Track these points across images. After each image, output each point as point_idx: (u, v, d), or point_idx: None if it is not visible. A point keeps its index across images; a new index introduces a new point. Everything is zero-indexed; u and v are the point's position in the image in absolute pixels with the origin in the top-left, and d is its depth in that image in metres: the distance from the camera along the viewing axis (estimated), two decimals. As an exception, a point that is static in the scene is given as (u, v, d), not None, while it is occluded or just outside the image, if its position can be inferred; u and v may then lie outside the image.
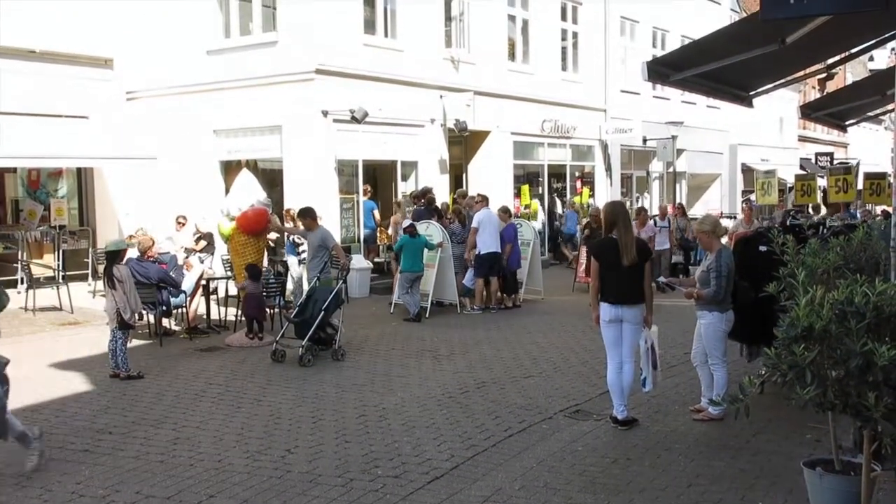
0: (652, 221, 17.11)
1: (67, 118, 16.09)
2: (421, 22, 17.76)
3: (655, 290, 7.63)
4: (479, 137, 19.86)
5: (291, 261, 14.34)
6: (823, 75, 33.91)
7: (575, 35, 23.40)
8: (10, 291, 14.71)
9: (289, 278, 13.93)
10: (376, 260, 17.27)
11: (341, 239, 15.62)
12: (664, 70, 7.53)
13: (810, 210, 17.37)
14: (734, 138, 31.92)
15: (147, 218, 15.82)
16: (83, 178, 17.69)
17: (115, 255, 9.29)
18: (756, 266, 7.07)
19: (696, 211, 28.43)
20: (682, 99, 26.56)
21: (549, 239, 22.51)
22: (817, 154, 37.45)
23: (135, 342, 10.71)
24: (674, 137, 23.82)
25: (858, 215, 15.09)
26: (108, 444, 6.82)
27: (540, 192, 22.58)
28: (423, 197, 15.57)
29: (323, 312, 9.99)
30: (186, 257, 13.04)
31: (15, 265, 15.72)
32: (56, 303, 13.79)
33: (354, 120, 15.47)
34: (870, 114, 13.83)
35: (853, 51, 9.32)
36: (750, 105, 9.41)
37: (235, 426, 7.30)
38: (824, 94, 34.01)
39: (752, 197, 19.70)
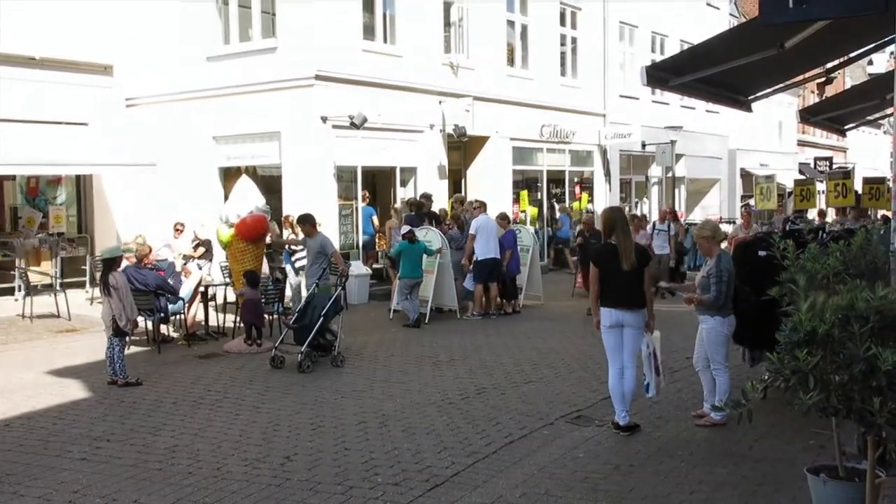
0: (650, 226, 17.05)
1: (67, 125, 16.06)
2: (420, 27, 17.75)
3: (657, 295, 7.61)
4: (478, 143, 19.84)
5: (288, 268, 14.33)
6: (823, 79, 33.88)
7: (574, 40, 23.40)
8: (7, 299, 14.94)
9: (287, 285, 13.88)
10: (375, 266, 17.24)
11: (340, 245, 15.59)
12: (663, 75, 7.55)
13: (816, 216, 17.36)
14: (733, 143, 31.92)
15: (146, 224, 15.61)
16: (82, 186, 17.66)
17: (110, 262, 9.28)
18: (756, 271, 7.06)
19: (696, 216, 28.46)
20: (682, 104, 26.58)
21: (548, 244, 22.47)
22: (816, 158, 37.44)
23: (133, 349, 10.70)
24: (673, 142, 23.75)
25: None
26: (105, 451, 6.79)
27: (539, 197, 22.56)
28: (422, 203, 15.51)
29: (322, 318, 9.98)
30: (185, 264, 13.00)
31: (13, 272, 15.68)
32: (54, 310, 13.78)
33: (353, 126, 15.45)
34: (869, 118, 13.82)
35: (852, 55, 9.32)
36: (749, 109, 9.43)
37: (234, 433, 7.27)
38: (823, 98, 34.14)
39: (752, 202, 19.69)
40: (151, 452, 6.73)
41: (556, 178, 23.48)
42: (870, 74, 39.45)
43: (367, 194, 17.44)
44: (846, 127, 13.92)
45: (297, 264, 13.98)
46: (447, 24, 18.97)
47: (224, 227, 11.67)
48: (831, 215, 18.25)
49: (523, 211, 21.40)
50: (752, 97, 9.12)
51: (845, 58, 9.83)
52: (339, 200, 16.46)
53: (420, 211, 14.99)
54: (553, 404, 8.08)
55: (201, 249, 13.75)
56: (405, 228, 13.62)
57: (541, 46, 21.76)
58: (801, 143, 39.81)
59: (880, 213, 17.58)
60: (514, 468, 6.23)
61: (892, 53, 39.79)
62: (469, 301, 14.16)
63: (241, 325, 11.52)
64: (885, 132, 42.17)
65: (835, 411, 4.07)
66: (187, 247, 13.91)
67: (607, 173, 24.76)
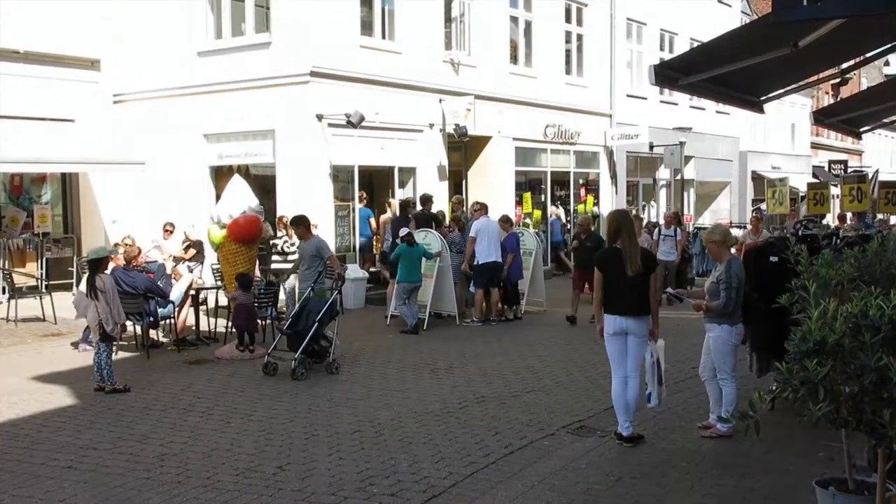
0: (656, 231, 16.72)
1: (52, 121, 15.89)
2: (420, 23, 17.59)
3: (664, 301, 7.59)
4: (479, 143, 19.64)
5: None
6: (837, 80, 33.42)
7: (580, 37, 23.19)
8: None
9: (281, 289, 13.63)
10: (372, 269, 17.09)
11: (336, 248, 15.48)
12: (672, 74, 7.50)
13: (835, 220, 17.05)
14: (744, 145, 31.85)
15: (134, 225, 15.67)
16: (68, 184, 17.52)
17: (97, 263, 9.19)
18: (766, 277, 7.17)
19: (705, 220, 28.21)
20: (691, 104, 26.45)
21: (551, 249, 22.18)
22: (830, 162, 37.29)
23: (121, 354, 10.73)
24: (682, 144, 23.68)
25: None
26: (92, 459, 6.76)
27: (543, 199, 22.38)
28: (424, 204, 15.30)
29: (317, 324, 9.87)
30: (175, 266, 12.90)
31: (-4, 274, 15.55)
32: (39, 313, 13.67)
33: (350, 124, 15.29)
34: (885, 120, 13.75)
35: (868, 55, 9.26)
36: (761, 111, 9.33)
37: (225, 442, 7.24)
38: (838, 99, 33.66)
39: (763, 206, 19.31)
40: (140, 461, 6.71)
41: (560, 180, 23.27)
42: (886, 75, 38.96)
43: (365, 195, 17.31)
44: (861, 129, 13.91)
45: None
46: (448, 19, 18.82)
47: (215, 228, 11.72)
48: (849, 220, 17.84)
49: (528, 213, 21.17)
50: (764, 98, 8.99)
51: (861, 58, 9.78)
52: (336, 201, 16.38)
53: (405, 213, 14.57)
54: (554, 414, 8.06)
55: (192, 251, 13.67)
56: (404, 231, 13.36)
57: (545, 44, 21.53)
58: (815, 146, 39.70)
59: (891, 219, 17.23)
60: (513, 479, 6.21)
61: (907, 54, 39.24)
62: (472, 307, 14.00)
63: (233, 330, 11.43)
64: (900, 135, 41.76)
65: (844, 423, 4.08)
66: (177, 248, 13.79)
67: (613, 175, 24.57)
